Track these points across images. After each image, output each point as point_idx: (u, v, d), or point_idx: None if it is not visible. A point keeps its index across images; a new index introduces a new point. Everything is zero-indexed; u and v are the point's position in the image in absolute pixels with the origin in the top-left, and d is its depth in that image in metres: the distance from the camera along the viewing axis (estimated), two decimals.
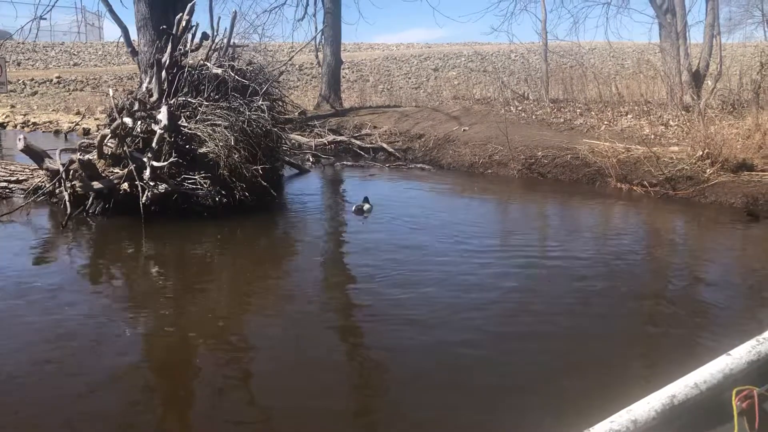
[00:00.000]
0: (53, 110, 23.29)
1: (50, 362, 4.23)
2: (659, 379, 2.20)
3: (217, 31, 9.74)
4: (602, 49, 32.38)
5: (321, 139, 14.79)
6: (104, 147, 8.36)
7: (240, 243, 7.71)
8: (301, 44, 21.69)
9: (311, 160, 13.64)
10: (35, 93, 28.58)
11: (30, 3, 24.38)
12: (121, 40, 10.92)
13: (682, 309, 5.49)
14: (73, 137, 16.60)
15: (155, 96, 8.67)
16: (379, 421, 3.74)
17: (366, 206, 8.56)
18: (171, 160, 7.81)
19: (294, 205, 9.59)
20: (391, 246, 7.03)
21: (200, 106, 8.54)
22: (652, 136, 11.79)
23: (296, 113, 16.32)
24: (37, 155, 8.49)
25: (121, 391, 3.90)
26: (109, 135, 8.31)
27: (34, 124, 20.22)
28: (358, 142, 14.90)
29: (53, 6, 15.42)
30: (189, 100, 8.68)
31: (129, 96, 9.08)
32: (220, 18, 13.30)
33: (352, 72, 33.04)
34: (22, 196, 8.91)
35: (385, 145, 14.73)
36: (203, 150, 8.16)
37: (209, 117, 8.39)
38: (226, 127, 8.24)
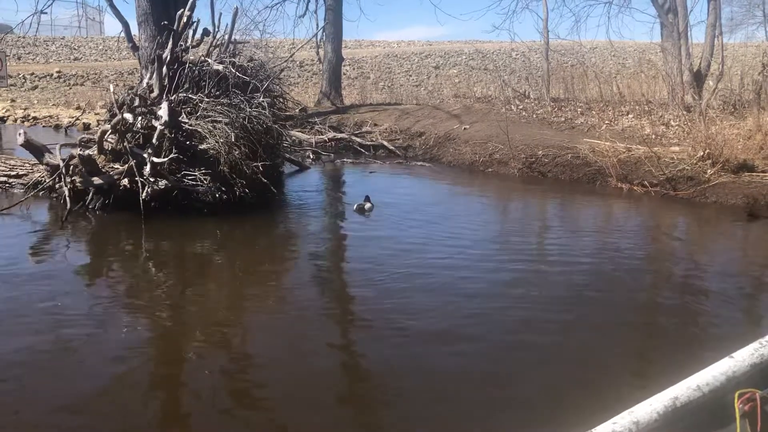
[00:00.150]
0: (53, 105, 23.27)
1: (48, 360, 4.22)
2: (660, 382, 2.19)
3: (218, 27, 9.71)
4: (603, 48, 32.33)
5: (321, 136, 14.79)
6: (104, 142, 8.34)
7: (239, 240, 7.69)
8: (302, 41, 21.67)
9: (311, 156, 13.63)
10: (35, 87, 28.54)
11: None
12: (122, 35, 10.90)
13: (682, 311, 5.48)
14: (73, 132, 16.58)
15: (156, 92, 8.65)
16: (374, 423, 3.73)
17: (367, 205, 8.54)
18: (171, 156, 7.79)
19: (294, 202, 9.58)
20: (391, 247, 7.00)
21: (201, 103, 8.52)
22: (653, 136, 11.78)
23: (297, 110, 16.31)
24: (37, 150, 8.47)
25: (118, 389, 3.88)
26: (110, 130, 8.30)
27: (35, 118, 20.21)
28: (358, 140, 14.90)
29: (54, 0, 15.36)
30: (190, 96, 8.65)
31: (129, 91, 9.06)
32: (221, 14, 13.30)
33: (353, 69, 33.02)
34: (22, 190, 8.88)
35: (385, 143, 14.73)
36: (204, 146, 8.13)
37: (210, 113, 8.37)
38: (226, 124, 8.22)
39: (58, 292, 5.47)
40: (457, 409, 3.70)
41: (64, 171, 8.05)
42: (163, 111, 7.93)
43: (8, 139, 14.32)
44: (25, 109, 21.58)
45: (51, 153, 8.45)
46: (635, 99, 14.31)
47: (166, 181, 7.75)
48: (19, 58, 34.66)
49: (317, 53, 22.09)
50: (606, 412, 1.97)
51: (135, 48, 10.22)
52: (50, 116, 20.34)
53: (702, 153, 10.15)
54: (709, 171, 9.90)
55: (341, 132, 15.48)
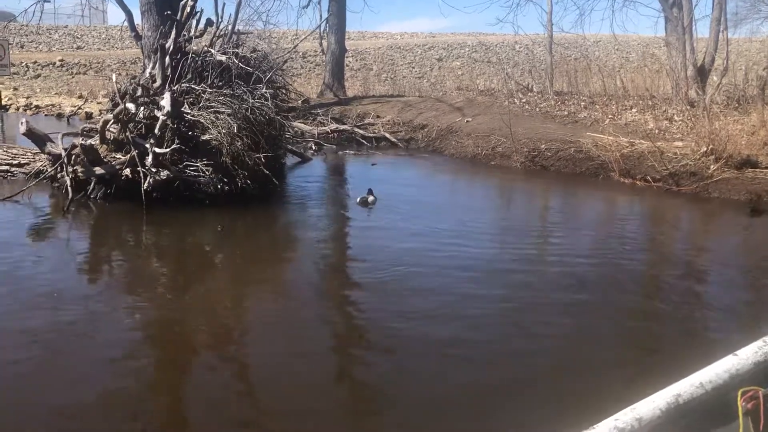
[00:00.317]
0: (56, 93, 23.24)
1: (47, 350, 4.21)
2: (662, 379, 2.19)
3: (222, 17, 9.70)
4: (607, 42, 32.22)
5: (324, 128, 14.75)
6: (106, 132, 8.33)
7: (241, 232, 7.68)
8: (305, 32, 21.57)
9: (314, 148, 13.61)
10: (38, 76, 28.50)
11: None
12: (125, 24, 10.84)
13: (685, 308, 5.47)
14: (75, 121, 16.55)
15: (158, 82, 8.63)
16: (374, 414, 3.73)
17: (370, 198, 8.52)
18: (173, 146, 7.77)
19: (296, 194, 9.56)
20: (393, 240, 6.98)
21: (203, 93, 8.50)
22: (657, 131, 11.73)
23: (299, 101, 16.26)
24: (39, 139, 8.47)
25: (117, 380, 3.89)
26: (112, 120, 8.28)
27: (37, 107, 20.18)
28: (360, 132, 14.87)
29: None
30: (192, 86, 8.63)
31: (132, 81, 9.04)
32: (224, 4, 13.27)
33: (356, 60, 32.93)
34: (24, 179, 8.87)
35: (387, 135, 14.70)
36: (206, 137, 8.11)
37: (212, 104, 8.34)
38: (229, 115, 8.19)
39: (58, 281, 5.47)
40: (457, 407, 3.70)
41: (66, 160, 8.06)
42: (165, 101, 7.91)
43: (10, 127, 14.28)
44: (27, 98, 21.56)
45: (53, 142, 8.45)
46: (639, 93, 14.25)
47: (168, 172, 7.73)
48: (22, 47, 34.59)
49: (320, 44, 22.03)
50: (608, 409, 1.97)
51: (138, 37, 10.18)
52: (53, 105, 20.31)
53: (705, 148, 10.10)
54: (712, 166, 9.86)
55: (344, 124, 15.45)
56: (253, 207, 8.09)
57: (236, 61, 8.92)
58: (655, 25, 28.71)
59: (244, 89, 8.71)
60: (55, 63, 30.50)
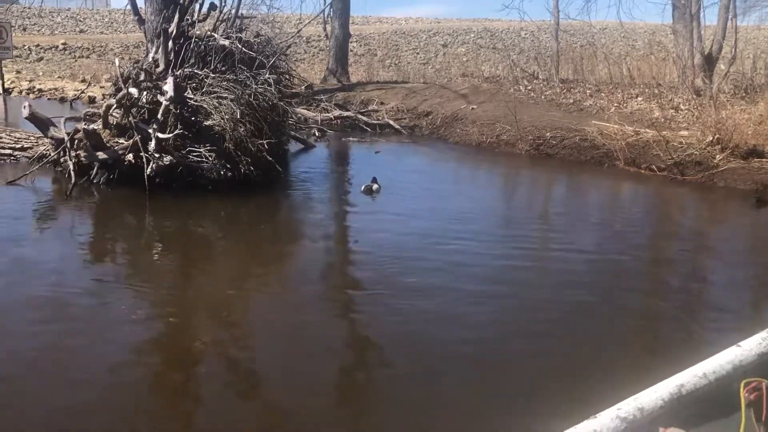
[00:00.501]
0: (59, 77, 23.17)
1: (49, 339, 4.21)
2: (663, 370, 2.16)
3: (225, 1, 9.61)
4: (613, 29, 32.00)
5: (327, 114, 14.68)
6: (109, 117, 8.29)
7: (244, 220, 7.66)
8: (309, 16, 21.44)
9: (317, 134, 13.54)
10: (41, 59, 28.40)
11: None
12: (128, 7, 10.75)
13: (689, 298, 5.46)
14: (78, 105, 16.50)
15: (161, 66, 8.57)
16: (374, 407, 3.72)
17: (375, 186, 8.48)
18: (176, 132, 7.73)
19: (299, 181, 9.52)
20: (396, 229, 6.94)
21: (207, 78, 8.44)
22: (662, 120, 11.66)
23: (303, 87, 16.17)
24: (42, 123, 8.44)
25: (118, 369, 3.88)
26: (115, 105, 8.25)
27: (40, 90, 20.12)
28: (364, 118, 14.80)
29: None
30: (195, 71, 8.57)
31: (135, 66, 8.98)
32: None
33: (360, 46, 32.75)
34: (27, 163, 8.85)
35: (391, 122, 14.63)
36: (209, 123, 8.06)
37: (215, 89, 8.29)
38: (232, 100, 8.14)
39: (59, 268, 5.46)
40: (459, 395, 3.70)
41: (69, 145, 8.03)
42: (168, 86, 7.86)
43: (13, 111, 14.25)
44: (30, 81, 21.49)
45: (56, 126, 8.42)
46: (645, 81, 14.16)
47: (171, 157, 7.69)
48: (24, 29, 34.46)
49: (324, 29, 21.86)
50: (610, 398, 1.96)
51: (141, 21, 10.09)
52: (55, 89, 20.25)
53: (711, 138, 10.05)
54: (718, 156, 9.81)
55: (347, 110, 15.37)
56: (257, 194, 8.06)
57: (239, 46, 8.85)
58: (663, 12, 28.54)
59: (247, 74, 8.64)
60: (57, 46, 30.38)
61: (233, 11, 9.50)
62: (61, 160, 8.26)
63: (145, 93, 8.09)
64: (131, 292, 5.12)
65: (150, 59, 8.91)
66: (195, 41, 8.83)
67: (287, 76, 10.39)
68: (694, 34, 13.76)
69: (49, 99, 18.98)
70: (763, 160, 9.52)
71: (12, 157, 9.22)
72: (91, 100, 16.93)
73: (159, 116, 7.84)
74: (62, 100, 18.68)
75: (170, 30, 8.61)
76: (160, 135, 7.65)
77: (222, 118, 7.99)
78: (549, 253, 6.37)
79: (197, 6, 9.02)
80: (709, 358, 2.14)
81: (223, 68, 8.73)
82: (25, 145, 9.28)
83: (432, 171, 10.91)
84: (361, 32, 34.50)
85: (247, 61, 8.89)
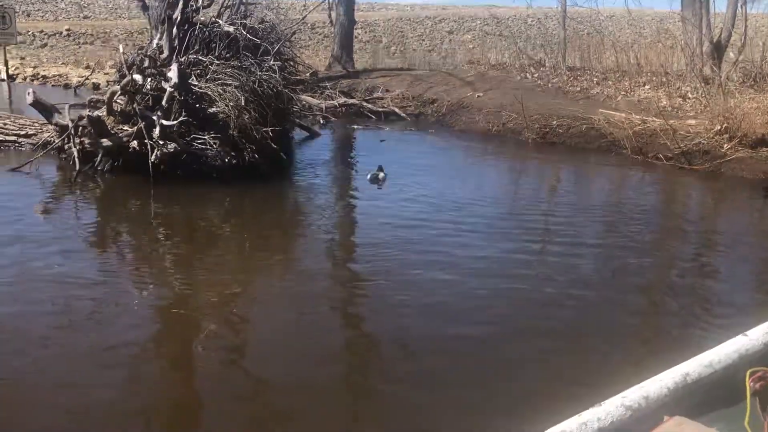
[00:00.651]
0: (63, 63, 23.05)
1: (54, 325, 4.22)
2: (668, 362, 2.13)
3: None
4: (620, 17, 31.64)
5: (332, 102, 14.57)
6: (114, 104, 8.25)
7: (248, 208, 7.64)
8: (314, 2, 21.30)
9: (321, 122, 13.46)
10: (45, 45, 28.30)
11: None
12: None
13: (695, 288, 5.44)
14: (82, 92, 16.46)
15: (166, 53, 8.51)
16: (374, 398, 3.72)
17: (381, 175, 8.45)
18: (181, 119, 7.69)
19: (304, 169, 9.48)
20: (402, 218, 6.91)
21: (211, 65, 8.39)
22: (670, 108, 11.59)
23: (307, 74, 16.07)
24: (46, 110, 8.42)
25: (123, 355, 3.90)
26: (119, 92, 8.21)
27: (44, 77, 20.04)
28: (369, 106, 14.69)
29: None
30: (200, 58, 8.52)
31: (139, 52, 8.92)
32: None
33: (365, 32, 32.52)
34: (31, 150, 8.82)
35: (396, 110, 14.53)
36: (213, 110, 8.03)
37: (220, 76, 8.25)
38: (236, 87, 8.11)
39: (65, 254, 5.46)
40: (461, 387, 3.69)
41: (73, 132, 7.99)
42: (172, 73, 7.82)
43: (18, 97, 14.22)
44: (34, 68, 21.39)
45: (60, 113, 8.38)
46: (652, 70, 14.03)
47: (176, 145, 7.65)
48: (28, 15, 34.32)
49: (329, 15, 21.70)
50: (615, 387, 1.94)
51: (145, 7, 10.01)
52: (59, 75, 20.15)
53: (719, 127, 9.99)
54: (726, 145, 9.76)
55: (352, 97, 15.26)
56: (261, 181, 8.02)
57: (244, 33, 8.79)
58: None
59: (252, 61, 8.59)
60: (61, 32, 30.25)
61: None
62: (66, 146, 8.24)
63: (149, 80, 8.05)
64: (135, 279, 5.13)
65: (154, 46, 8.85)
66: (199, 27, 8.77)
67: (292, 63, 10.31)
68: (703, 21, 13.61)
69: (53, 85, 18.90)
70: None
71: (17, 144, 9.20)
72: (96, 87, 16.86)
73: (163, 103, 7.81)
74: (66, 86, 18.59)
75: (174, 16, 8.54)
76: (165, 122, 7.61)
77: (226, 105, 7.96)
78: (554, 246, 6.34)
79: None
80: (715, 347, 2.14)
81: (228, 55, 8.67)
82: (30, 132, 9.25)
83: (437, 159, 10.85)
84: (366, 19, 34.27)
85: (251, 48, 8.83)
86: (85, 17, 36.30)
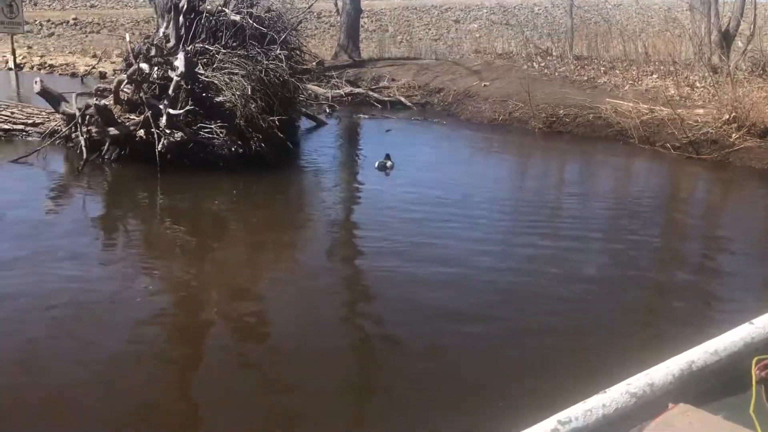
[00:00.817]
0: (70, 52, 23.07)
1: (63, 315, 4.23)
2: (676, 346, 2.15)
3: None
4: (628, 6, 31.46)
5: (338, 91, 14.55)
6: (120, 92, 8.28)
7: (255, 197, 7.64)
8: None
9: (327, 111, 13.44)
10: (52, 34, 28.32)
11: None
12: None
13: (700, 280, 5.43)
14: (89, 80, 16.48)
15: (172, 42, 8.52)
16: (380, 386, 3.73)
17: (388, 163, 8.46)
18: (187, 108, 7.69)
19: (311, 158, 9.48)
20: (408, 209, 6.89)
21: (218, 54, 8.39)
22: (678, 98, 11.52)
23: (314, 63, 16.02)
24: (53, 98, 8.43)
25: (131, 341, 3.93)
26: (126, 80, 8.22)
27: (51, 66, 20.07)
28: (375, 95, 14.67)
29: None
30: (206, 47, 8.51)
31: (146, 41, 8.92)
32: None
33: (372, 21, 32.38)
34: (39, 139, 8.85)
35: (402, 99, 14.49)
36: (220, 99, 8.03)
37: (226, 65, 8.24)
38: (243, 76, 8.10)
39: (72, 244, 5.47)
40: (467, 371, 3.71)
41: (80, 120, 8.01)
42: (179, 62, 7.82)
43: (25, 86, 14.25)
44: (41, 57, 21.41)
45: (67, 102, 8.39)
46: (660, 59, 13.94)
47: (182, 133, 7.65)
48: (35, 4, 34.30)
49: (335, 4, 21.63)
50: (620, 375, 1.95)
51: None
52: (66, 64, 20.16)
53: (728, 116, 9.94)
54: (734, 135, 9.71)
55: (358, 87, 15.23)
56: (268, 171, 8.02)
57: (250, 21, 8.77)
58: None
59: (259, 50, 8.58)
60: (68, 21, 30.25)
61: None
62: (73, 135, 8.24)
63: (156, 68, 8.05)
64: (143, 268, 5.14)
65: (161, 34, 8.85)
66: (206, 16, 8.75)
67: (298, 52, 10.30)
68: (711, 10, 13.50)
69: (60, 74, 18.93)
70: None
71: (24, 133, 9.23)
72: (102, 76, 16.87)
73: (170, 92, 7.81)
74: (73, 75, 18.63)
75: (181, 5, 8.53)
76: (171, 111, 7.62)
77: (233, 94, 7.95)
78: (561, 233, 6.31)
79: None
80: (721, 335, 2.13)
81: (234, 44, 8.66)
82: (37, 121, 9.26)
83: (444, 148, 10.83)
84: (372, 8, 34.11)
85: (258, 37, 8.82)
86: (92, 6, 36.26)
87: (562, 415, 1.69)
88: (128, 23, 29.11)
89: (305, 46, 11.49)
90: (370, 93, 14.76)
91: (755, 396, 1.99)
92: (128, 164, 7.97)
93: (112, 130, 7.92)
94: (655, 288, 5.22)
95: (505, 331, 4.24)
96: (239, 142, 7.89)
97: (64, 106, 8.35)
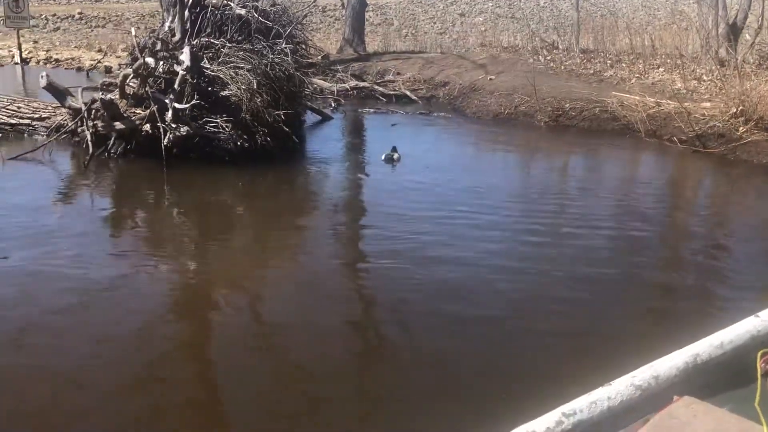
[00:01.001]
0: (75, 47, 23.08)
1: (73, 311, 4.25)
2: (681, 339, 2.13)
3: None
4: None
5: (343, 85, 14.51)
6: (126, 87, 8.29)
7: (261, 191, 7.64)
8: None
9: (333, 105, 13.42)
10: (57, 29, 28.35)
11: None
12: None
13: (706, 275, 5.40)
14: (94, 75, 16.48)
15: (178, 36, 8.51)
16: (382, 377, 3.74)
17: (396, 155, 8.46)
18: (193, 102, 7.69)
19: (317, 152, 9.46)
20: (413, 201, 6.88)
21: (223, 48, 8.39)
22: (684, 91, 11.43)
23: (319, 57, 15.99)
24: (59, 93, 8.43)
25: (140, 332, 3.96)
26: (131, 75, 8.23)
27: (57, 60, 20.07)
28: (380, 89, 14.62)
29: None
30: (212, 41, 8.52)
31: (151, 35, 8.92)
32: None
33: (377, 15, 32.26)
34: (44, 134, 8.86)
35: (408, 93, 14.45)
36: (225, 93, 8.04)
37: (232, 59, 8.25)
38: (248, 70, 8.10)
39: (81, 237, 5.51)
40: (472, 367, 3.71)
41: (86, 115, 8.01)
42: (185, 56, 7.83)
43: (31, 81, 14.28)
44: (47, 51, 21.42)
45: (73, 96, 8.40)
46: (667, 52, 13.83)
47: (188, 128, 7.65)
48: None
49: None
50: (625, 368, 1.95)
51: None
52: (72, 58, 20.17)
53: (735, 110, 9.84)
54: (741, 128, 9.62)
55: (363, 81, 15.18)
56: (274, 165, 8.02)
57: (256, 15, 8.78)
58: None
59: (264, 44, 8.59)
60: (74, 16, 30.26)
61: None
62: (79, 130, 8.25)
63: (161, 63, 8.05)
64: (150, 261, 5.17)
65: (166, 28, 8.86)
66: (211, 10, 8.76)
67: (303, 46, 10.28)
68: (719, 2, 13.39)
69: (66, 69, 18.93)
70: None
71: (30, 127, 9.24)
72: (108, 70, 16.86)
73: (176, 86, 7.80)
74: (79, 69, 18.61)
75: None
76: (177, 105, 7.62)
77: (238, 89, 7.96)
78: (567, 228, 6.29)
79: None
80: (726, 328, 2.12)
81: (240, 38, 8.67)
82: (43, 115, 9.27)
83: (449, 142, 10.79)
84: (377, 1, 33.98)
85: (263, 31, 8.82)
86: (97, 1, 36.24)
87: (567, 407, 1.69)
88: (134, 17, 29.12)
89: (310, 40, 11.48)
90: (376, 87, 14.71)
91: (760, 389, 1.97)
92: (134, 159, 7.97)
93: (118, 125, 7.93)
94: (661, 286, 5.19)
95: (507, 331, 4.22)
96: (245, 137, 7.90)
97: (70, 101, 8.35)
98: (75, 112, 8.27)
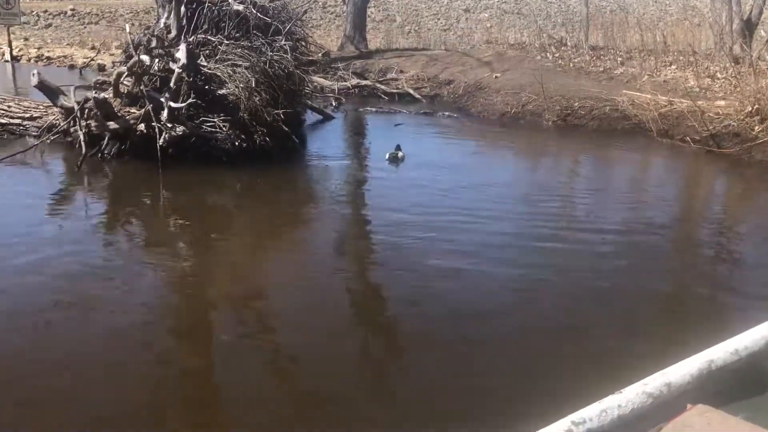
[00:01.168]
0: (67, 44, 22.86)
1: (67, 314, 4.22)
2: (694, 345, 2.03)
3: None
4: None
5: (344, 83, 14.24)
6: (120, 85, 8.13)
7: (260, 192, 7.48)
8: None
9: (333, 104, 13.16)
10: (49, 26, 28.14)
11: None
12: None
13: (718, 280, 5.30)
14: (87, 73, 16.31)
15: (173, 32, 8.35)
16: (386, 378, 3.73)
17: (400, 154, 8.36)
18: (189, 101, 7.51)
19: (317, 152, 9.27)
20: (416, 202, 6.75)
21: (220, 45, 8.25)
22: (698, 89, 11.28)
23: (319, 54, 15.75)
24: (51, 92, 8.24)
25: (139, 340, 3.92)
26: (126, 73, 8.09)
27: (48, 58, 19.86)
28: (383, 87, 14.38)
29: None
30: (209, 38, 8.37)
31: (146, 32, 8.79)
32: None
33: (379, 11, 32.06)
34: (36, 134, 8.61)
35: (411, 91, 14.20)
36: (223, 91, 7.90)
37: (229, 57, 8.10)
38: (246, 68, 7.96)
39: (76, 239, 5.46)
40: (480, 373, 3.65)
41: (79, 114, 7.83)
42: (181, 53, 7.67)
43: (22, 79, 14.08)
44: (38, 49, 21.18)
45: (65, 95, 8.22)
46: (679, 49, 13.68)
47: (184, 128, 7.49)
48: None
49: None
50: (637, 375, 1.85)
51: None
52: (64, 56, 19.94)
53: (750, 108, 9.73)
54: (757, 128, 9.49)
55: (365, 79, 14.94)
56: (273, 165, 7.86)
57: (254, 11, 8.62)
58: None
59: (263, 41, 8.44)
60: (66, 12, 30.01)
61: None
62: (71, 129, 8.06)
63: (156, 60, 7.91)
64: (146, 265, 5.13)
65: (161, 25, 8.69)
66: (208, 6, 8.57)
67: (303, 43, 10.11)
68: None
69: (58, 67, 18.76)
70: None
71: (21, 127, 8.99)
72: (101, 68, 16.67)
73: (171, 84, 7.64)
74: (71, 67, 18.43)
75: None
76: (173, 104, 7.44)
77: (236, 87, 7.82)
78: (576, 232, 6.14)
79: None
80: (741, 333, 2.05)
81: (238, 34, 8.51)
82: (35, 115, 9.04)
83: (454, 142, 10.58)
84: None
85: (262, 27, 8.66)
86: None
87: (576, 415, 1.62)
88: (127, 14, 28.92)
89: (311, 37, 11.31)
90: (378, 85, 14.48)
91: None
92: (128, 160, 7.80)
93: (112, 124, 7.74)
94: (672, 289, 5.11)
95: (515, 330, 4.20)
96: (243, 136, 7.77)
97: (62, 100, 8.16)
98: (67, 112, 8.07)
